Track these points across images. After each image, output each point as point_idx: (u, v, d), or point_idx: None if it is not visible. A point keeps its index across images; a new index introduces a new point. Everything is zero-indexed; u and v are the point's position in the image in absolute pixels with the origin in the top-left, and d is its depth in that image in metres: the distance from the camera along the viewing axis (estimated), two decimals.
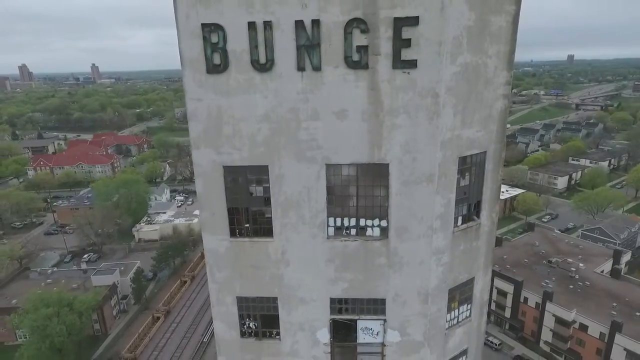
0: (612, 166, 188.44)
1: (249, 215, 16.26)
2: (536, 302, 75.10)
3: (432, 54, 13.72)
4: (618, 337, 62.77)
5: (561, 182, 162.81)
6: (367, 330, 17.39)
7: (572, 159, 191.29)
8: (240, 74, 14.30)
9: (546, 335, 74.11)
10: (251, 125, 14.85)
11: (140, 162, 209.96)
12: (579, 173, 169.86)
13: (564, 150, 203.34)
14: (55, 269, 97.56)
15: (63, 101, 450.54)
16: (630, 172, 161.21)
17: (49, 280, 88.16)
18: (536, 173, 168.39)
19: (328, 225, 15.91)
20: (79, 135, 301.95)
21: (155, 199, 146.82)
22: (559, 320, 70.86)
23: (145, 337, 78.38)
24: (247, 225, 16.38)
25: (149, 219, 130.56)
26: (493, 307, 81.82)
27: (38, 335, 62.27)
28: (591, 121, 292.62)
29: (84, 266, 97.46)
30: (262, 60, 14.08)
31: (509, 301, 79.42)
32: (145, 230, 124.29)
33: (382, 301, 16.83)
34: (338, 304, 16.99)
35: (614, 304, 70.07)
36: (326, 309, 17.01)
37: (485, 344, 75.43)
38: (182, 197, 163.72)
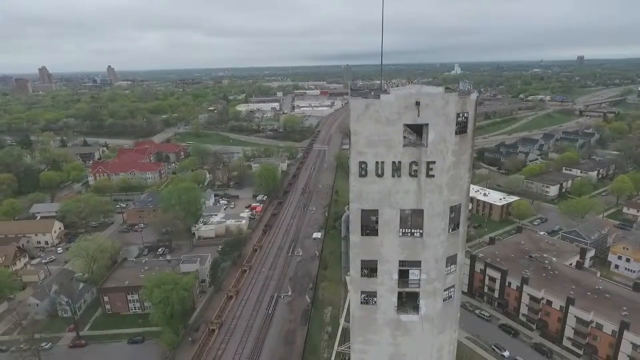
0: (600, 175, 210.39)
1: (369, 227, 42.02)
2: (517, 286, 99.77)
3: (440, 172, 39.36)
4: (571, 309, 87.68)
5: (552, 190, 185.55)
6: (413, 273, 43.17)
7: (566, 169, 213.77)
8: (370, 177, 39.95)
9: (524, 310, 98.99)
10: (372, 194, 40.53)
11: (181, 169, 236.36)
12: (570, 182, 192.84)
13: (559, 161, 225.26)
14: (146, 259, 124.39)
15: (92, 107, 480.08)
16: (613, 181, 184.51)
17: (146, 268, 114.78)
18: (531, 182, 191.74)
19: (399, 231, 41.59)
20: (133, 142, 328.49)
21: (205, 203, 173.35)
22: (533, 298, 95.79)
23: (225, 309, 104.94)
24: (368, 231, 42.13)
25: (204, 220, 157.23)
26: (485, 289, 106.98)
27: (163, 304, 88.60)
28: (589, 130, 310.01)
29: (168, 257, 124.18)
30: (379, 173, 39.72)
31: (497, 285, 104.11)
32: (203, 230, 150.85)
33: (419, 261, 42.51)
34: (402, 263, 42.70)
35: (573, 287, 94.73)
36: (396, 265, 42.71)
37: (478, 316, 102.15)
38: (225, 201, 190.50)
